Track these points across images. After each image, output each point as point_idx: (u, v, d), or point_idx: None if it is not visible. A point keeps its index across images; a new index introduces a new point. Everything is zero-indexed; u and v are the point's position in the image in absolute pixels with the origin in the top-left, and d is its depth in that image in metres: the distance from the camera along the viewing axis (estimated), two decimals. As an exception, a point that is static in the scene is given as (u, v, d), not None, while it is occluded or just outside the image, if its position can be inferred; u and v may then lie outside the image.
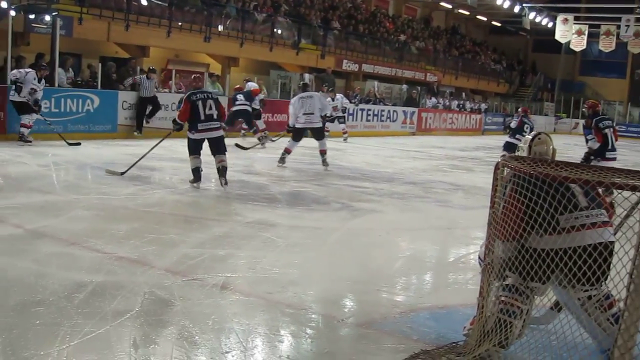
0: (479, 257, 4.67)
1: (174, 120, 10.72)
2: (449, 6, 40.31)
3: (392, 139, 25.31)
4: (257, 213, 8.82)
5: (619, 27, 37.78)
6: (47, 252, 6.26)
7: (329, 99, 18.53)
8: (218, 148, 10.40)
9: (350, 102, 24.57)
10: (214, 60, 25.59)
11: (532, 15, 38.92)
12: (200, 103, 10.15)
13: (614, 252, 3.92)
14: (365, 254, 7.22)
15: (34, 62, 16.14)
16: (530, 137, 4.81)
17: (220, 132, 10.49)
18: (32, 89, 13.98)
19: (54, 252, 6.26)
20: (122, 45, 21.81)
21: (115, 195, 9.39)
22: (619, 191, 3.48)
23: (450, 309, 5.41)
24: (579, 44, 40.04)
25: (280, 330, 4.70)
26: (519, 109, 18.87)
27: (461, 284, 6.34)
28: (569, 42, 39.97)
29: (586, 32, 39.40)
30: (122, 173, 10.82)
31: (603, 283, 3.97)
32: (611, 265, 3.89)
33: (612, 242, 3.98)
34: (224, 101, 19.63)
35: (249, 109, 18.43)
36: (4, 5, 16.19)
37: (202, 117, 10.15)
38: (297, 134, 14.03)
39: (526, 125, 15.05)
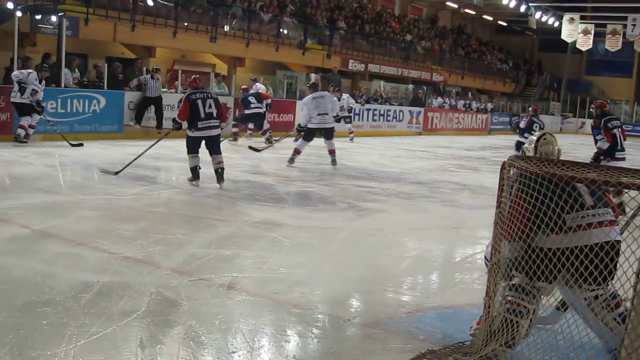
0: (485, 257, 4.66)
1: (174, 119, 10.86)
2: (455, 6, 40.25)
3: (398, 138, 25.29)
4: (264, 213, 8.83)
5: (625, 26, 37.71)
6: (54, 252, 6.27)
7: (335, 98, 18.56)
8: (214, 147, 10.48)
9: (357, 102, 24.56)
10: (220, 61, 25.58)
11: (538, 14, 38.83)
12: (200, 102, 10.26)
13: (620, 252, 3.91)
14: (372, 253, 7.22)
15: (40, 63, 16.20)
16: (535, 137, 4.80)
17: (219, 131, 10.58)
18: (33, 89, 13.99)
19: (61, 253, 6.27)
20: (128, 46, 21.83)
21: (121, 196, 9.41)
22: (626, 190, 3.47)
23: (457, 308, 5.40)
24: (585, 44, 39.97)
25: (286, 330, 4.70)
26: (530, 108, 18.85)
27: (468, 284, 6.34)
28: (575, 42, 39.91)
29: (592, 32, 39.33)
30: (117, 173, 10.85)
31: (609, 282, 3.97)
32: (618, 265, 3.88)
33: (618, 241, 3.97)
34: (230, 101, 19.77)
35: (262, 111, 18.44)
36: (10, 6, 16.22)
37: (202, 116, 10.25)
38: (309, 134, 14.08)
39: (535, 124, 14.99)
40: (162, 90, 18.26)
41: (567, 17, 39.27)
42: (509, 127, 36.43)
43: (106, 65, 18.26)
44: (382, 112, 26.98)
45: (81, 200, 8.89)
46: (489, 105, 36.24)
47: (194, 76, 11.64)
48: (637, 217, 4.08)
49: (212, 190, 10.29)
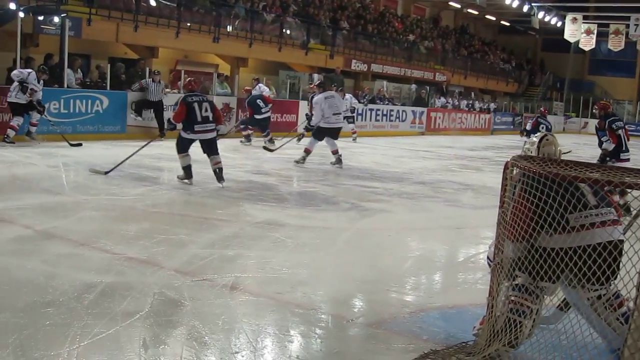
0: (488, 257, 4.66)
1: (169, 120, 11.02)
2: (458, 6, 40.22)
3: (401, 138, 25.28)
4: (266, 213, 8.83)
5: (628, 26, 37.68)
6: (57, 253, 6.27)
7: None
8: (212, 149, 10.62)
9: (360, 102, 24.55)
10: (223, 61, 25.59)
11: (541, 14, 38.83)
12: (196, 105, 10.40)
13: (623, 251, 3.91)
14: (375, 253, 7.22)
15: (43, 63, 16.21)
16: (536, 138, 4.80)
17: (214, 134, 10.70)
18: (31, 89, 13.99)
19: (64, 253, 6.27)
20: (131, 46, 21.84)
21: (124, 196, 9.41)
22: (629, 190, 3.47)
23: (460, 308, 5.40)
24: (588, 43, 39.97)
25: (289, 330, 4.70)
26: (541, 109, 18.85)
27: (471, 284, 6.33)
28: (578, 42, 39.91)
29: (595, 31, 39.33)
30: (107, 172, 10.89)
31: (612, 282, 3.96)
32: (621, 265, 3.88)
33: (621, 241, 3.97)
34: (233, 101, 19.79)
35: (270, 114, 18.41)
36: (13, 6, 16.25)
37: (199, 119, 10.39)
38: (321, 134, 14.14)
39: (542, 125, 14.90)
40: (166, 90, 18.22)
41: (569, 16, 39.27)
42: (512, 127, 36.45)
43: (109, 65, 18.26)
44: (385, 112, 26.98)
45: (84, 201, 8.89)
46: (492, 105, 36.22)
47: (189, 79, 11.76)
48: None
49: (215, 190, 10.30)
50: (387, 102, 27.61)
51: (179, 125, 10.57)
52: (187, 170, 10.60)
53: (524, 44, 48.16)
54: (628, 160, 11.04)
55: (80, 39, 18.52)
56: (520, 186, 4.03)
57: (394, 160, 17.22)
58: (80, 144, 14.52)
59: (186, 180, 10.58)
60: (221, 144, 15.81)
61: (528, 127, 16.06)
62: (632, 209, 4.22)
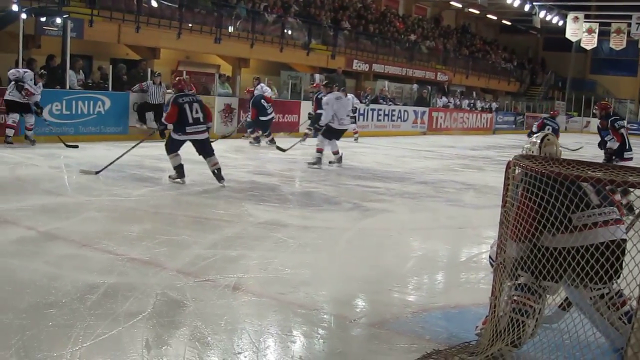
0: (490, 257, 4.66)
1: (160, 121, 10.95)
2: (459, 5, 40.22)
3: (403, 138, 25.28)
4: (269, 214, 8.83)
5: (629, 25, 37.66)
6: (60, 254, 6.28)
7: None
8: (206, 150, 10.71)
9: (361, 102, 24.54)
10: (224, 62, 25.58)
11: (542, 13, 38.82)
12: (187, 106, 10.48)
13: (626, 250, 3.90)
14: (377, 253, 7.22)
15: (45, 64, 16.22)
16: (537, 139, 4.79)
17: (206, 135, 10.76)
18: (26, 89, 13.97)
19: (66, 254, 6.28)
20: (133, 47, 21.84)
21: (127, 197, 9.42)
22: (632, 190, 3.46)
23: (463, 308, 5.40)
24: (589, 42, 39.98)
25: (292, 330, 4.70)
26: (552, 111, 18.76)
27: (473, 284, 6.33)
28: (579, 41, 39.91)
29: (597, 30, 39.33)
30: (97, 172, 10.94)
31: (615, 281, 3.96)
32: (623, 264, 3.88)
33: (624, 240, 3.97)
34: (235, 102, 19.79)
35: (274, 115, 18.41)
36: (15, 8, 16.26)
37: (191, 121, 10.47)
38: (332, 134, 14.21)
39: (547, 127, 14.76)
40: (167, 92, 18.18)
41: (571, 16, 39.27)
42: (514, 126, 36.47)
43: (111, 66, 18.27)
44: (386, 112, 26.98)
45: (86, 202, 8.90)
46: (494, 105, 36.23)
47: (179, 78, 11.83)
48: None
49: (217, 191, 10.30)
50: (389, 103, 27.60)
51: (170, 126, 10.67)
52: (179, 170, 10.67)
53: (526, 43, 48.15)
54: (631, 159, 11.06)
55: (82, 40, 18.54)
56: (523, 186, 4.03)
57: (396, 160, 17.22)
58: (76, 146, 14.49)
59: (178, 180, 10.63)
60: (223, 144, 15.93)
61: (534, 129, 15.97)
62: (635, 208, 4.22)
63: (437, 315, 5.19)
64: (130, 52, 22.02)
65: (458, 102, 33.12)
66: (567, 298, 4.33)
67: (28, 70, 14.37)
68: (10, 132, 14.08)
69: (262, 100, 17.82)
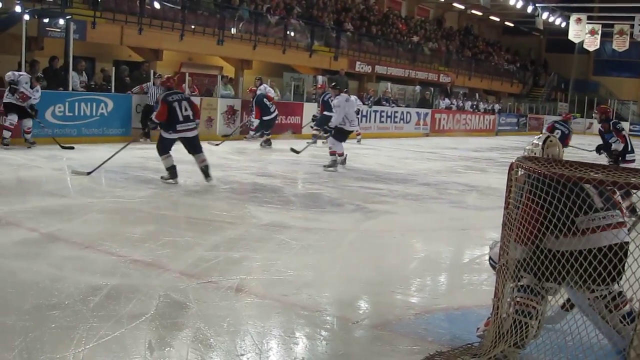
0: (491, 258, 4.66)
1: (150, 120, 11.21)
2: (462, 7, 40.26)
3: (405, 140, 25.28)
4: (271, 215, 8.83)
5: (632, 26, 37.66)
6: (62, 255, 6.28)
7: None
8: (195, 147, 10.82)
9: (364, 104, 24.54)
10: (227, 63, 25.62)
11: (545, 15, 38.83)
12: (176, 104, 10.55)
13: (629, 252, 3.90)
14: (380, 255, 7.21)
15: (48, 66, 16.23)
16: (539, 141, 4.79)
17: (196, 132, 10.86)
18: (21, 92, 13.96)
19: (69, 256, 6.28)
20: (136, 49, 21.88)
21: (129, 199, 9.43)
22: (635, 191, 3.46)
23: (465, 310, 5.40)
24: (592, 44, 39.97)
25: (295, 332, 4.69)
26: (563, 114, 18.67)
27: (476, 285, 6.33)
28: (582, 42, 39.91)
29: (599, 32, 39.32)
30: (89, 173, 10.96)
31: (617, 283, 3.96)
32: (626, 265, 3.87)
33: (627, 242, 3.97)
34: (237, 104, 19.80)
35: (277, 114, 18.42)
36: (18, 9, 16.28)
37: (181, 119, 10.55)
38: (343, 135, 14.30)
39: (557, 131, 14.56)
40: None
41: (574, 17, 39.27)
42: (517, 128, 36.45)
43: (113, 68, 18.26)
44: (389, 114, 26.96)
45: (89, 204, 8.90)
46: (497, 106, 36.21)
47: (167, 76, 11.86)
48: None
49: (220, 192, 10.31)
50: (392, 104, 27.59)
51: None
52: (172, 171, 10.71)
53: (528, 45, 48.19)
54: (633, 161, 11.09)
55: (84, 42, 18.58)
56: (528, 188, 4.02)
57: (399, 161, 17.21)
58: (72, 147, 14.47)
59: (171, 181, 10.67)
60: (225, 145, 15.94)
61: (544, 132, 15.87)
62: (637, 210, 4.21)
63: (440, 317, 5.19)
64: (133, 53, 22.05)
65: (461, 104, 33.11)
66: (569, 299, 4.33)
67: (24, 74, 14.32)
68: (7, 134, 14.05)
69: (265, 100, 17.82)
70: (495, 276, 4.28)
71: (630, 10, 36.58)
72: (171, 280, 5.60)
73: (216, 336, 4.48)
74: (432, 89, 31.79)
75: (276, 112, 18.12)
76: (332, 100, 15.50)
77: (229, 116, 19.75)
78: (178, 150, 10.86)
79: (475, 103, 34.49)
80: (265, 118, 17.74)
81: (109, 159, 11.30)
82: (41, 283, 5.35)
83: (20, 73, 14.31)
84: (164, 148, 10.68)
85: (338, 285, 5.91)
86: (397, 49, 32.54)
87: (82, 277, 5.56)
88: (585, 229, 3.93)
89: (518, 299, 4.08)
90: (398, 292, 5.84)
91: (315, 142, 16.80)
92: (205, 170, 10.71)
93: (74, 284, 5.35)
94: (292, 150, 15.86)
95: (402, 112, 27.88)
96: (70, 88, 16.31)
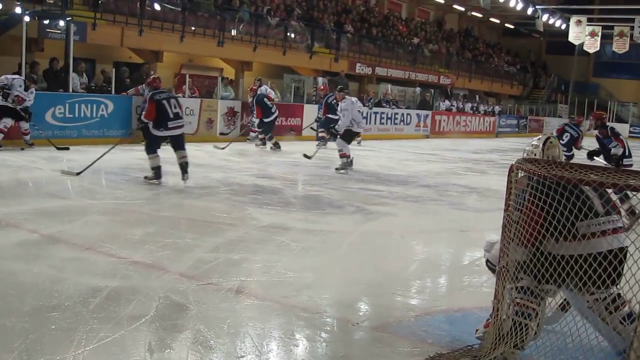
0: (488, 260, 4.66)
1: (139, 119, 11.32)
2: (462, 9, 40.28)
3: (406, 142, 25.29)
4: (272, 217, 8.83)
5: (632, 28, 37.62)
6: (62, 257, 6.28)
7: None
8: (180, 144, 10.86)
9: (365, 105, 24.53)
10: (227, 65, 25.62)
11: (545, 17, 38.82)
12: (165, 102, 10.60)
13: (628, 254, 3.90)
14: (380, 257, 7.21)
15: (48, 68, 16.23)
16: (539, 142, 4.79)
17: (183, 130, 10.93)
18: (16, 96, 13.94)
19: (69, 257, 6.28)
20: (136, 50, 21.88)
21: (129, 200, 9.43)
22: (634, 193, 3.46)
23: (466, 312, 5.39)
24: (592, 46, 39.93)
25: (295, 334, 4.69)
26: (574, 117, 18.63)
27: (476, 287, 6.32)
28: (582, 44, 39.86)
29: (600, 34, 39.28)
30: (78, 173, 11.00)
31: (616, 285, 3.96)
32: (625, 268, 3.88)
33: (627, 246, 3.97)
34: (238, 105, 19.80)
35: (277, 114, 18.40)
36: (18, 11, 16.28)
37: (171, 116, 10.62)
38: (351, 137, 14.46)
39: (566, 134, 14.34)
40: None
41: (574, 19, 39.23)
42: (517, 129, 36.45)
43: (114, 70, 18.25)
44: (389, 116, 26.97)
45: (89, 205, 8.90)
46: (497, 108, 36.24)
47: (153, 76, 11.87)
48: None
49: (220, 194, 10.32)
50: (392, 106, 27.60)
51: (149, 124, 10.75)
52: (157, 171, 10.76)
53: (528, 47, 48.21)
54: (631, 165, 11.14)
55: (85, 44, 18.58)
56: (530, 191, 4.02)
57: (399, 163, 17.22)
58: (67, 148, 14.45)
59: (155, 181, 10.72)
60: (227, 147, 15.91)
61: (554, 134, 15.83)
62: (636, 211, 4.22)
63: (440, 319, 5.19)
64: (133, 55, 22.05)
65: (461, 106, 33.14)
66: (566, 299, 4.33)
67: (17, 77, 14.27)
68: None
69: (266, 99, 17.79)
70: (494, 278, 4.29)
71: (630, 12, 36.55)
72: (171, 282, 5.60)
73: (216, 338, 4.47)
74: (432, 90, 31.81)
75: (277, 113, 18.09)
76: (335, 103, 15.58)
77: (229, 118, 19.75)
78: (169, 150, 10.88)
79: (475, 105, 34.53)
80: (265, 120, 17.71)
81: (98, 159, 11.30)
82: (41, 285, 5.35)
83: (14, 76, 14.25)
84: (153, 146, 10.71)
85: (338, 287, 5.91)
86: (397, 50, 32.56)
87: (82, 279, 5.56)
88: (586, 234, 3.93)
89: (518, 301, 4.08)
90: (398, 293, 5.84)
91: (325, 145, 16.77)
92: (184, 167, 10.74)
93: (74, 285, 5.35)
94: (305, 156, 15.86)
95: (402, 114, 27.89)
96: (71, 89, 16.32)
